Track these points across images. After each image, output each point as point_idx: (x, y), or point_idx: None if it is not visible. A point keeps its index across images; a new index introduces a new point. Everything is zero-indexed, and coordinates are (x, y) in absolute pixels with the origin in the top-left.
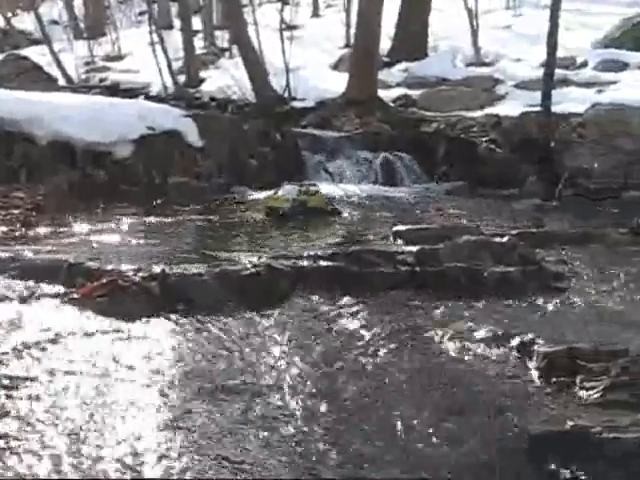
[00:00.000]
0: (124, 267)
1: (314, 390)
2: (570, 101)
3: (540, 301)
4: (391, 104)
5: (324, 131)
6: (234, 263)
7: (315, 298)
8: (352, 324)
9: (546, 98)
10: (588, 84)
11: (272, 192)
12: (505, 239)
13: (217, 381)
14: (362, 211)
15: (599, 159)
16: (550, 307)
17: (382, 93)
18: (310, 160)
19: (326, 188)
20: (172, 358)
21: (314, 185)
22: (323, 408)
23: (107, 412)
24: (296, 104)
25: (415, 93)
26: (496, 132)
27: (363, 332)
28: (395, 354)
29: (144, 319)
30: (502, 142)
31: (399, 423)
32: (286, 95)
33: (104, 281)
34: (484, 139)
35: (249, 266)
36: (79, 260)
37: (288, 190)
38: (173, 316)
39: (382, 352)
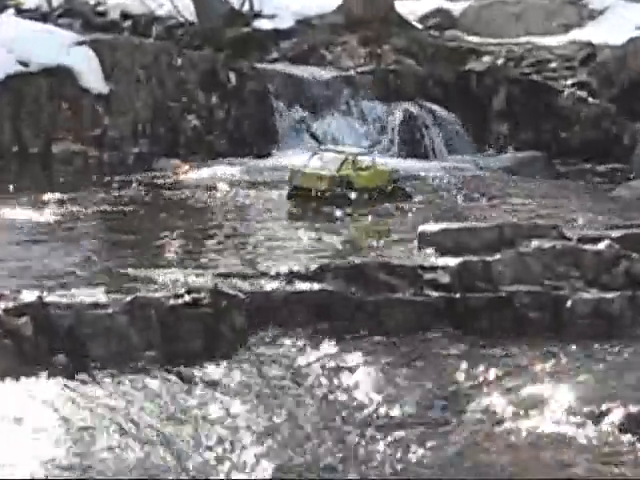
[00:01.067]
0: None
1: None
2: None
3: None
4: (418, 25)
5: (308, 69)
6: (157, 287)
7: (288, 344)
8: (349, 389)
9: None
10: None
11: (301, 158)
12: (603, 246)
13: None
14: (370, 199)
15: None
16: None
17: (403, 7)
18: (285, 117)
19: (310, 161)
20: (43, 445)
21: (364, 154)
22: None
23: None
24: (262, 24)
25: (457, 7)
26: (588, 71)
27: (367, 402)
28: (424, 442)
29: (5, 380)
30: (598, 88)
31: None
32: (246, 9)
33: None
34: (569, 82)
35: (181, 291)
36: None
37: (327, 160)
38: (52, 375)
39: (400, 438)
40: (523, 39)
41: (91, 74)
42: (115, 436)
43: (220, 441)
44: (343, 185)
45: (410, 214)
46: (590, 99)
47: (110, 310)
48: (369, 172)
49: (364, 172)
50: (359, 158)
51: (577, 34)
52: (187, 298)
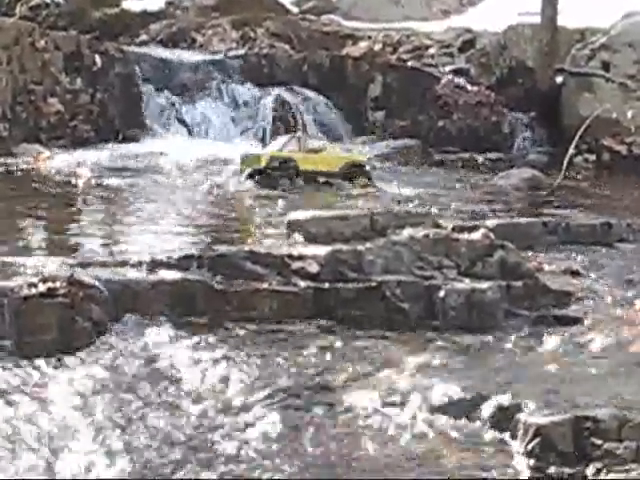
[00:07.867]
0: None
1: None
2: (588, 7)
3: (532, 339)
4: (294, 9)
5: (178, 51)
6: (11, 275)
7: (148, 335)
8: (210, 382)
9: (549, 2)
10: None
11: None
12: (477, 235)
13: None
14: (238, 186)
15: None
16: (548, 349)
17: None
18: (154, 101)
19: (176, 148)
20: None
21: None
22: None
23: None
24: (131, 5)
25: None
26: (467, 58)
27: (229, 395)
28: (286, 437)
29: None
30: (476, 74)
31: None
32: None
33: None
34: (447, 69)
35: (35, 280)
36: None
37: (280, 144)
38: None
39: (261, 434)
40: (401, 24)
41: None
42: None
43: (70, 436)
44: (281, 166)
45: (278, 203)
46: (469, 86)
47: None
48: (320, 155)
49: (314, 155)
50: (316, 142)
51: (456, 20)
52: (42, 288)
